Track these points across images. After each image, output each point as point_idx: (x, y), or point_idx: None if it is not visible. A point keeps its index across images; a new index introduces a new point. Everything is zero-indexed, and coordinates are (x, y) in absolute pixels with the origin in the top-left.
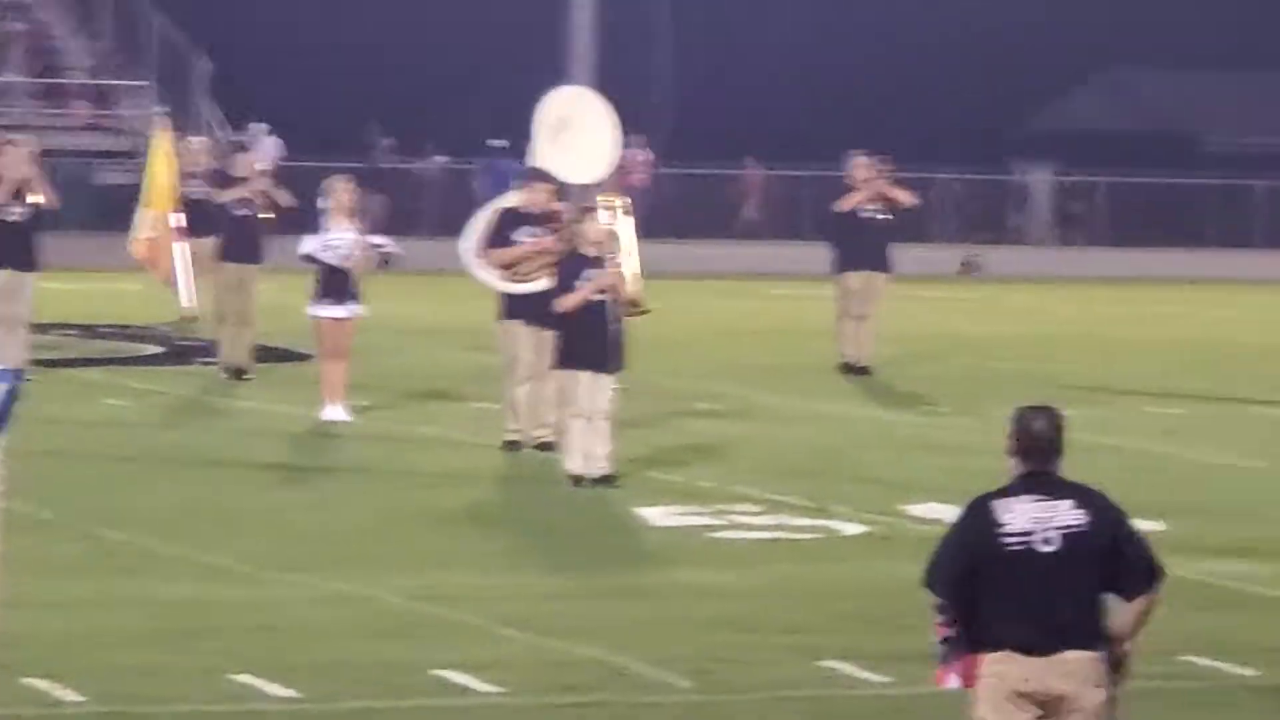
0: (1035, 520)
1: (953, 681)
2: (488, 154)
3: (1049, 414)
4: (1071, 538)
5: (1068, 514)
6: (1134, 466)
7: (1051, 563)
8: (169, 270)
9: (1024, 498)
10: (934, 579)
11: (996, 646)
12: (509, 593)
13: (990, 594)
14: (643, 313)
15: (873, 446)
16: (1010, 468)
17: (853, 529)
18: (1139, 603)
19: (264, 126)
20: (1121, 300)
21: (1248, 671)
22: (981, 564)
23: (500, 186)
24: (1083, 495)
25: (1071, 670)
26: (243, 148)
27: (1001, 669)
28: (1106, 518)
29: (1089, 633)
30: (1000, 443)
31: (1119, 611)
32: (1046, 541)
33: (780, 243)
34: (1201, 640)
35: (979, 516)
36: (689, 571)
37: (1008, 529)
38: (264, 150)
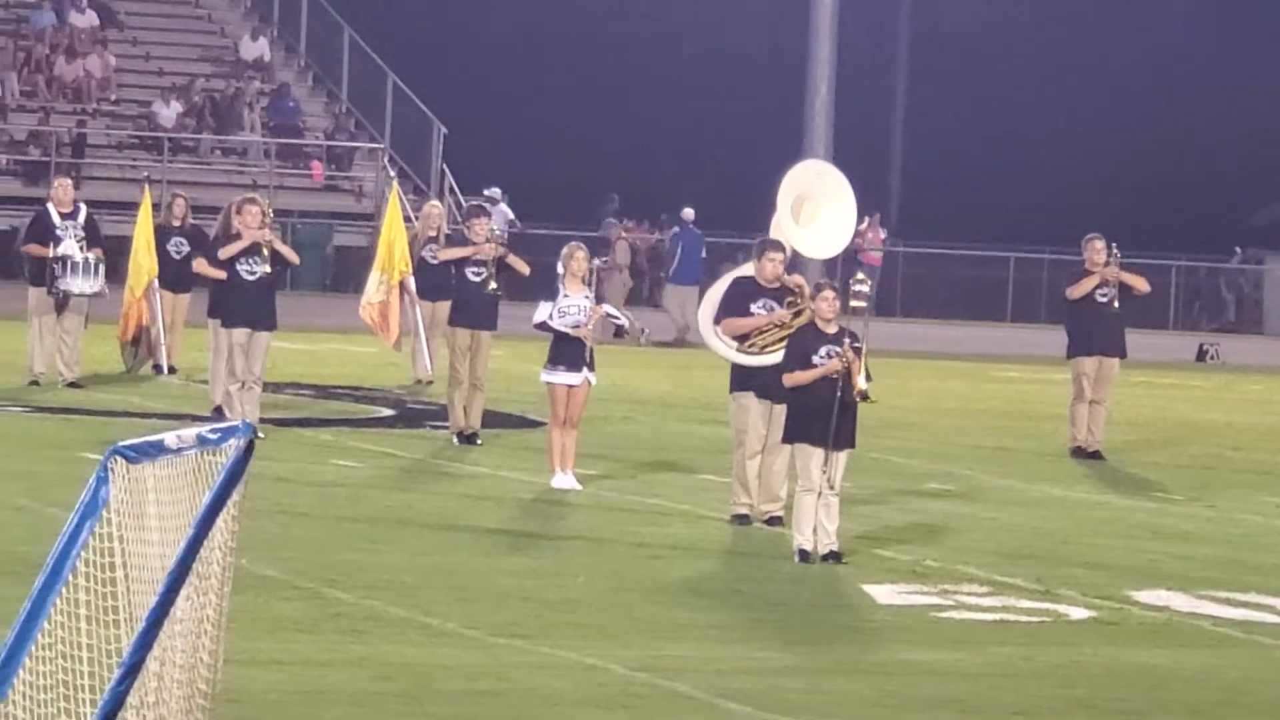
0: None
1: None
2: (679, 223)
3: None
4: None
5: None
6: None
7: None
8: (397, 334)
9: None
10: None
11: None
12: (732, 666)
13: None
14: (869, 401)
15: (1102, 531)
16: None
17: (1079, 613)
18: None
19: (497, 191)
20: None
21: None
22: None
23: (690, 255)
24: None
25: None
26: (483, 211)
27: None
28: None
29: None
30: (1231, 532)
31: None
32: None
33: (1014, 325)
34: None
35: None
36: (914, 650)
37: None
38: (497, 216)
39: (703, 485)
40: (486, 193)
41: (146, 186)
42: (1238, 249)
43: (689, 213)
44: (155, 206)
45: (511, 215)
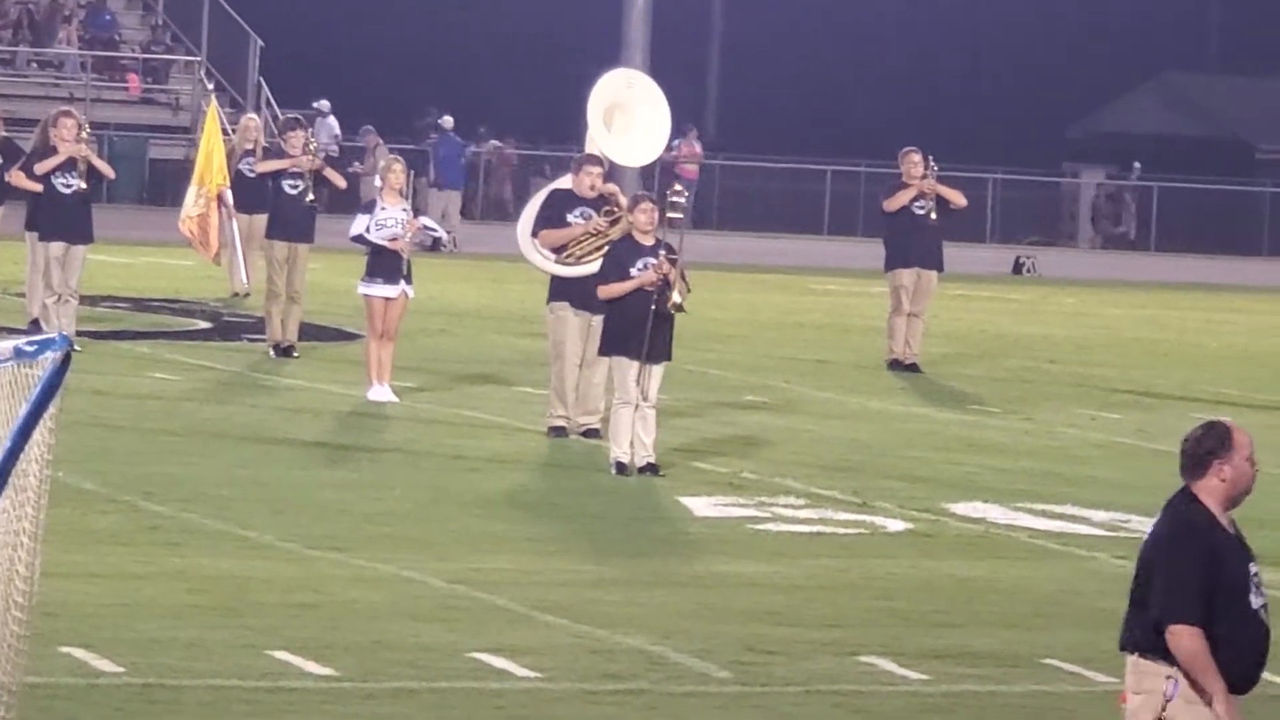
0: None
1: None
2: (438, 133)
3: (1199, 427)
4: (1141, 547)
5: (1153, 525)
6: (1178, 472)
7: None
8: (216, 248)
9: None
10: None
11: None
12: (550, 579)
13: None
14: (680, 310)
15: (918, 444)
16: None
17: (896, 525)
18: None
19: (325, 104)
20: (1172, 305)
21: None
22: None
23: (449, 161)
24: (1167, 515)
25: (1131, 671)
26: (299, 124)
27: None
28: (1155, 538)
29: (1139, 640)
30: (1047, 444)
31: None
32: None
33: (831, 238)
34: None
35: None
36: (731, 563)
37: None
38: (323, 129)
39: (520, 398)
40: (315, 105)
41: None
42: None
43: (448, 120)
44: None
45: (338, 130)
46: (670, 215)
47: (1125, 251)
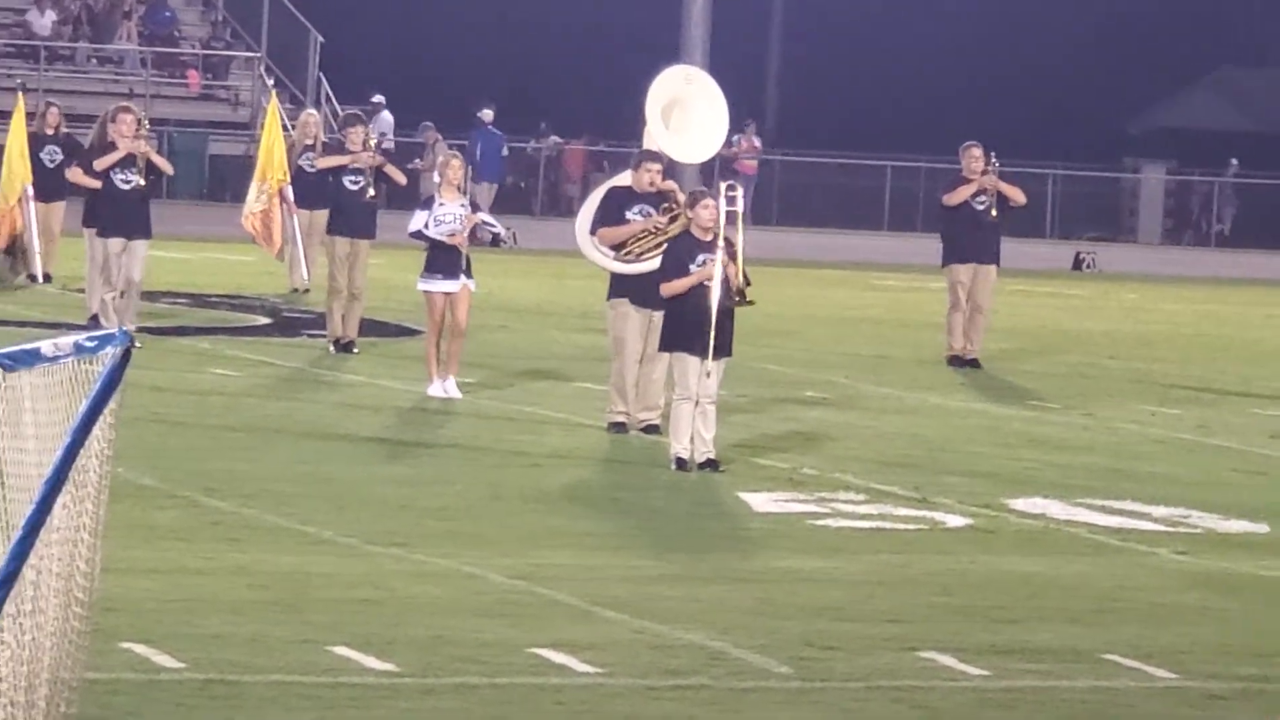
0: None
1: None
2: (478, 126)
3: None
4: None
5: None
6: (1239, 468)
7: None
8: (279, 244)
9: None
10: None
11: None
12: (610, 574)
13: None
14: (748, 303)
15: (978, 440)
16: None
17: (956, 521)
18: None
19: (381, 99)
20: (1232, 301)
21: None
22: None
23: (489, 154)
24: None
25: None
26: (360, 119)
27: None
28: None
29: None
30: (1107, 440)
31: None
32: None
33: (891, 234)
34: None
35: None
36: (791, 558)
37: None
38: (379, 124)
39: (580, 393)
40: (373, 100)
41: (21, 95)
42: None
43: (487, 114)
44: (30, 115)
45: (391, 125)
46: (728, 209)
47: (1186, 247)
